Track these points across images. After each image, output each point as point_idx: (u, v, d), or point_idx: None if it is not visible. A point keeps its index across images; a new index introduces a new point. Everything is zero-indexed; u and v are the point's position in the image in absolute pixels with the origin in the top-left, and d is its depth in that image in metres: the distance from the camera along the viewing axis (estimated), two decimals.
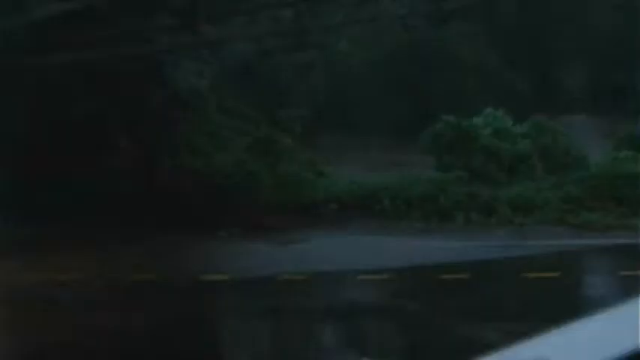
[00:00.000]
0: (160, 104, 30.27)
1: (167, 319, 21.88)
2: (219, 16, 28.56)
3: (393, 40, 41.30)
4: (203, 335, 22.66)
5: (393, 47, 41.37)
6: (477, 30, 43.06)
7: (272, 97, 37.84)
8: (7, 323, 22.63)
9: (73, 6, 19.40)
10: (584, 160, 32.44)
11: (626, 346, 0.92)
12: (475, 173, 31.39)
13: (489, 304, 23.64)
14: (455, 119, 32.47)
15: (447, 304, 23.29)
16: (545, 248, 27.38)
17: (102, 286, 23.67)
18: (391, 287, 24.51)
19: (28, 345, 21.59)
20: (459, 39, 41.88)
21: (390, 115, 39.63)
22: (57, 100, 28.95)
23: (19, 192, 30.42)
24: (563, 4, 44.95)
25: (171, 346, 20.36)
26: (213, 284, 24.91)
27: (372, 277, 24.55)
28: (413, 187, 31.09)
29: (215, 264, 26.85)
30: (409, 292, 24.26)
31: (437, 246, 27.43)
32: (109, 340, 20.70)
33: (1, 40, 24.80)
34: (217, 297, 24.89)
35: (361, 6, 36.20)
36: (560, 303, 23.56)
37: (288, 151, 33.42)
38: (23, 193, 30.61)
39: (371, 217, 30.07)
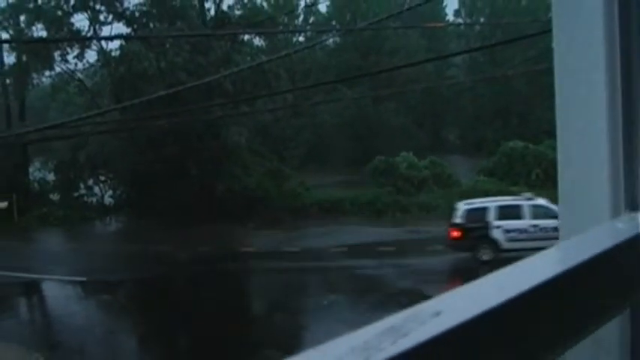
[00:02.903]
0: (215, 150, 30.12)
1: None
2: (250, 97, 28.56)
3: (350, 112, 41.24)
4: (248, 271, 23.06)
5: (350, 116, 41.34)
6: (399, 107, 43.13)
7: (280, 144, 37.89)
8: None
9: (167, 92, 19.69)
10: (459, 182, 32.19)
11: (500, 301, 0.71)
12: (397, 189, 31.17)
13: (406, 263, 23.89)
14: (385, 158, 32.30)
15: (381, 263, 23.57)
16: (438, 232, 27.21)
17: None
18: (348, 254, 24.36)
19: None
20: (388, 112, 41.75)
21: (348, 155, 39.54)
22: (156, 146, 28.94)
23: (136, 201, 30.74)
24: (448, 94, 45.31)
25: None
26: (247, 253, 25.27)
27: (338, 249, 24.66)
28: (361, 197, 30.94)
29: (247, 242, 26.59)
30: (359, 256, 24.17)
31: (375, 231, 27.30)
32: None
33: (126, 113, 25.02)
34: (251, 259, 24.97)
35: (332, 92, 36.43)
36: (445, 261, 24.01)
37: (289, 176, 33.19)
38: (139, 202, 30.93)
39: (338, 215, 29.80)
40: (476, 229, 21.62)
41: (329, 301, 19.70)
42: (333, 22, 47.42)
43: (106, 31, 33.62)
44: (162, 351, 17.62)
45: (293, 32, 45.42)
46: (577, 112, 1.19)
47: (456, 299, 0.74)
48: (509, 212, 21.94)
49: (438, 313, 0.68)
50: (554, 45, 1.17)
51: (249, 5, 37.52)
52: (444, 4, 46.76)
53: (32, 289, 22.58)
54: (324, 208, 30.69)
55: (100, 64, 33.89)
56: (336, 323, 17.65)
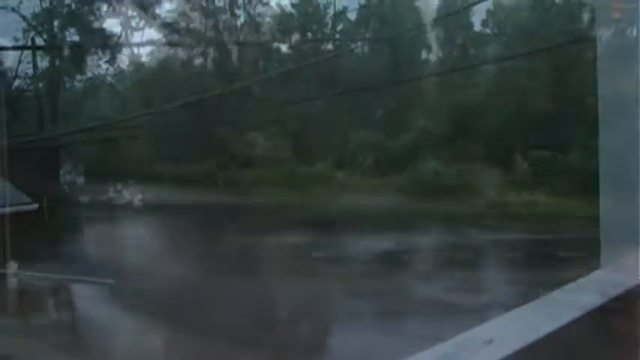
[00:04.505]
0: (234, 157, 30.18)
1: None
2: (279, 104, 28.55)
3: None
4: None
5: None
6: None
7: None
8: None
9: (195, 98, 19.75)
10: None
11: (551, 329, 0.72)
12: None
13: None
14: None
15: None
16: None
17: None
18: None
19: None
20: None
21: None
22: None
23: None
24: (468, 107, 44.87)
25: None
26: None
27: None
28: None
29: None
30: None
31: None
32: None
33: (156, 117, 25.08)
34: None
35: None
36: None
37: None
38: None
39: None
40: None
41: None
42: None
43: (137, 36, 34.01)
44: None
45: (321, 40, 45.37)
46: (619, 139, 1.19)
47: (507, 326, 0.75)
48: None
49: (490, 341, 0.69)
50: (599, 76, 1.18)
51: (278, 12, 37.51)
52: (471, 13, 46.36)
53: (60, 289, 22.74)
54: None
55: (130, 69, 34.19)
56: None
